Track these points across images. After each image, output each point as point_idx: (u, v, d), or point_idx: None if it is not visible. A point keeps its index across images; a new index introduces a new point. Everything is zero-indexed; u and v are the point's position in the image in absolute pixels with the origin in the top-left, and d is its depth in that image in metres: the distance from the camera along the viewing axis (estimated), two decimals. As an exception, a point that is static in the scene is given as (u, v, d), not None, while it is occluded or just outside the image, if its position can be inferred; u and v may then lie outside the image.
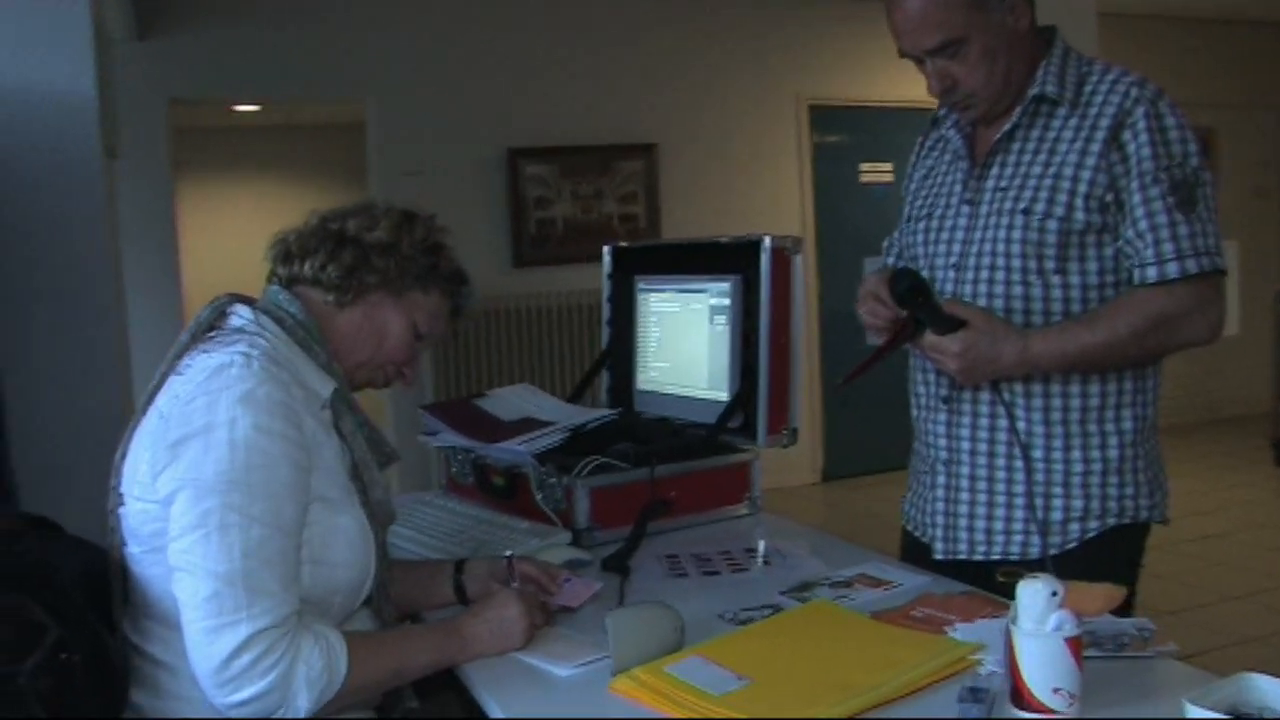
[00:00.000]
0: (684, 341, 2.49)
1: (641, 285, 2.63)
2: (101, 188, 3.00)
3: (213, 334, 1.55)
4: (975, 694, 1.30)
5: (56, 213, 2.92)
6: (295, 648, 1.39)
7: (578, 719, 1.35)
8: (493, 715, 1.40)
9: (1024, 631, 1.27)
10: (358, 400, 1.66)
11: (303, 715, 1.39)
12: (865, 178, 7.25)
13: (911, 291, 1.72)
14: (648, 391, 2.60)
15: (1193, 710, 1.15)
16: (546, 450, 2.22)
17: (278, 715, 1.39)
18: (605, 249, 2.74)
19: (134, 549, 1.48)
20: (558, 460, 2.19)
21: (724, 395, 2.32)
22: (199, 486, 1.39)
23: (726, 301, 2.34)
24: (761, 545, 2.08)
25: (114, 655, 1.36)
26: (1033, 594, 1.26)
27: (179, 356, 1.52)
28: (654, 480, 2.13)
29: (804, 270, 2.26)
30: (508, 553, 1.78)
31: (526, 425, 2.35)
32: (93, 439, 2.80)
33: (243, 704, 1.37)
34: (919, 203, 2.04)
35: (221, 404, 1.42)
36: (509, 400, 2.59)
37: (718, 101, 6.74)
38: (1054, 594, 1.26)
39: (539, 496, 2.18)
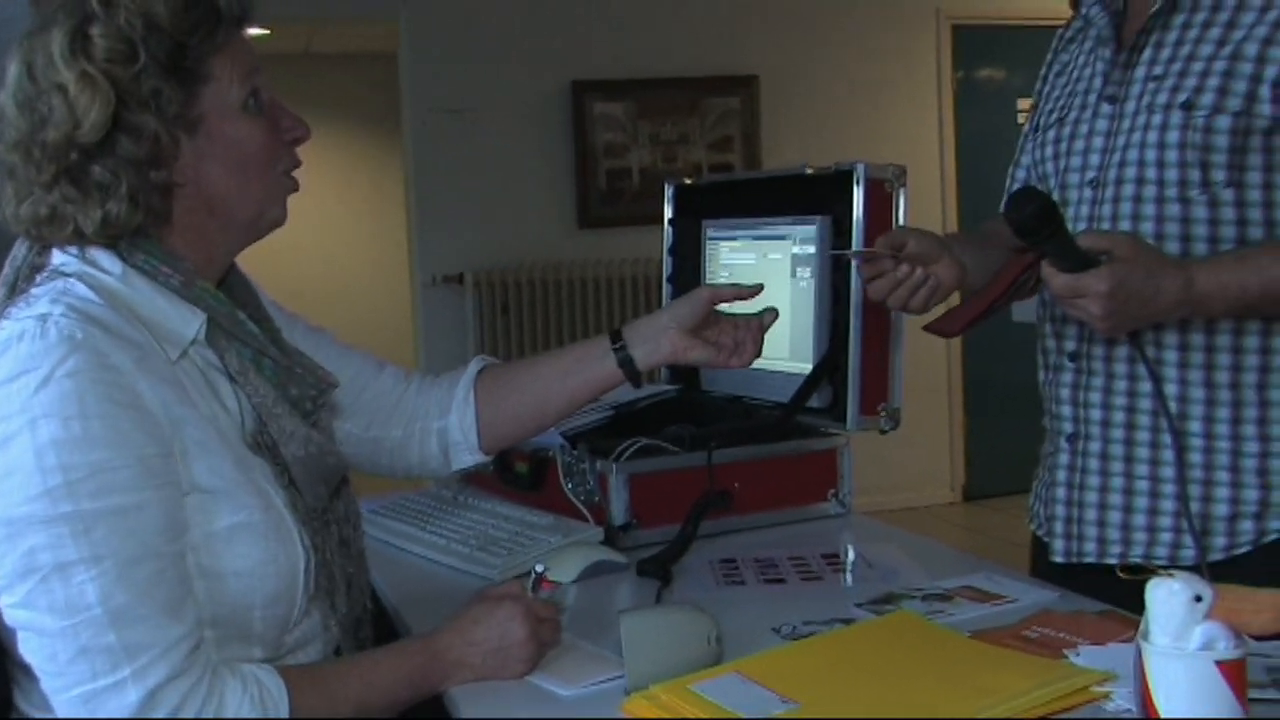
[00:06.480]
0: (761, 301, 2.43)
1: (710, 232, 2.59)
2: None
3: (35, 279, 1.40)
4: (1094, 733, 1.22)
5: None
6: (217, 699, 1.30)
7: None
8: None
9: (1157, 650, 1.18)
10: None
11: None
12: (1025, 119, 7.09)
13: (1038, 219, 1.56)
14: (717, 365, 2.55)
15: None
16: (582, 431, 2.19)
17: None
18: (667, 187, 2.70)
19: None
20: (595, 444, 2.16)
21: (810, 367, 2.26)
22: (11, 524, 1.26)
23: (812, 250, 2.28)
24: (849, 551, 2.03)
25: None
26: (1167, 598, 1.17)
27: None
28: (711, 467, 2.08)
29: (908, 208, 2.18)
30: (539, 567, 1.65)
31: (562, 402, 2.32)
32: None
33: None
34: (1049, 106, 1.95)
35: (16, 400, 1.27)
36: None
37: (836, 21, 6.67)
38: (1198, 599, 1.17)
39: (567, 485, 2.15)
